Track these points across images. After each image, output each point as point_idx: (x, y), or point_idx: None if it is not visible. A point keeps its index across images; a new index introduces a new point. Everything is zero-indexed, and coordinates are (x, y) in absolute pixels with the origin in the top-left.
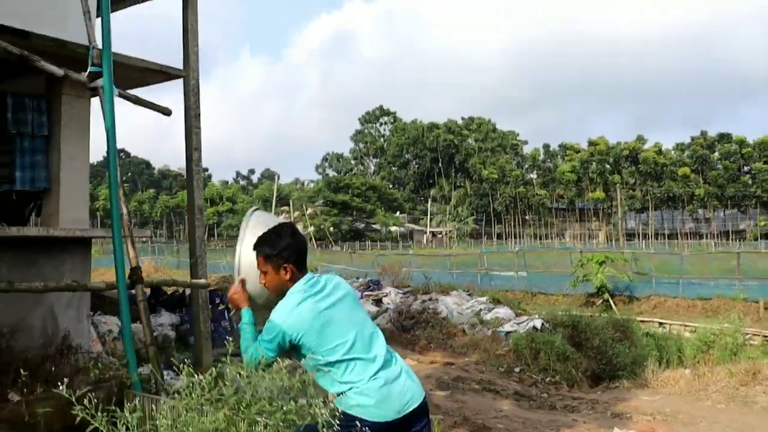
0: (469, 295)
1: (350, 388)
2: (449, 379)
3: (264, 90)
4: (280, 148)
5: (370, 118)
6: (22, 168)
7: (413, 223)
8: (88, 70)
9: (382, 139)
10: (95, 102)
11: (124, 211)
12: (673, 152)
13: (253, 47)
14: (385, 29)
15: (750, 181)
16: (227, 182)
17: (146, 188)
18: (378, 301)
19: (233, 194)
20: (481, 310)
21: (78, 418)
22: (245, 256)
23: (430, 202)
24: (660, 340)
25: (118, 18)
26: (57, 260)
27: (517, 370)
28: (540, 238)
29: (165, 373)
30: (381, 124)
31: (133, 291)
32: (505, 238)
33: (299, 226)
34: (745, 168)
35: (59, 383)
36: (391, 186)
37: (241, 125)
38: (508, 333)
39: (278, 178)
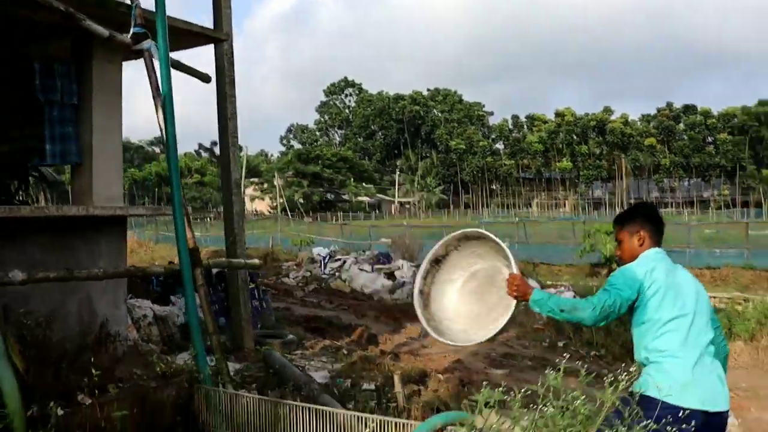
0: None
1: (657, 358)
2: (497, 355)
3: None
4: (243, 120)
5: (335, 90)
6: (51, 140)
7: (381, 193)
8: (132, 31)
9: (347, 111)
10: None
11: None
12: (639, 123)
13: (211, 19)
14: (347, 1)
15: (714, 152)
16: (192, 154)
17: None
18: (390, 275)
19: (202, 166)
20: None
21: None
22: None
23: (397, 173)
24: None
25: None
26: (92, 242)
27: (561, 344)
28: (507, 207)
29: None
30: (346, 96)
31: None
32: (473, 208)
33: (267, 199)
34: (709, 138)
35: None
36: (358, 157)
37: (201, 97)
38: None
39: (246, 150)
